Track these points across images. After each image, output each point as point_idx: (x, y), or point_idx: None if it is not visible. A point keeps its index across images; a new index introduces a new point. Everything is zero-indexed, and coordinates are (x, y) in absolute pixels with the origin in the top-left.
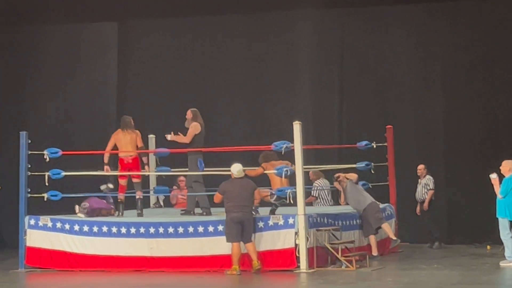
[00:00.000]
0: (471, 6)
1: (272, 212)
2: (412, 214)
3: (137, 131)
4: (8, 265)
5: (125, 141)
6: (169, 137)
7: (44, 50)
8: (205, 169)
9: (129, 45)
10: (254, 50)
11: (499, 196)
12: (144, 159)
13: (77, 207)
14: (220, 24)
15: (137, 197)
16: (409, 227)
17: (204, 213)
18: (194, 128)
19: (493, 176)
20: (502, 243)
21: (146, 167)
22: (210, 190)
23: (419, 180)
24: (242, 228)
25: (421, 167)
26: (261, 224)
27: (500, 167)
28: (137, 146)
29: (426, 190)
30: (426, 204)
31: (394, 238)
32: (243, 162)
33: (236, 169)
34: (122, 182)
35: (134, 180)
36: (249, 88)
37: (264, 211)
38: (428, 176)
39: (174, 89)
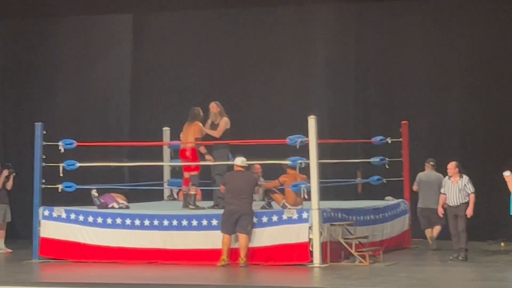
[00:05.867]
0: (492, 2)
1: (264, 207)
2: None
3: (197, 122)
4: (22, 256)
5: (185, 133)
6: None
7: (60, 42)
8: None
9: (143, 37)
10: (269, 44)
11: None
12: (202, 148)
13: (94, 190)
14: (235, 18)
15: (192, 192)
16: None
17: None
18: (226, 123)
19: (507, 174)
20: None
21: (206, 156)
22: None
23: (449, 180)
24: (237, 220)
25: (451, 165)
26: (275, 218)
27: None
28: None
29: (465, 194)
30: (470, 210)
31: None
32: (258, 156)
33: (239, 160)
34: (186, 174)
35: (192, 172)
36: (265, 82)
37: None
38: (465, 177)
39: (188, 81)
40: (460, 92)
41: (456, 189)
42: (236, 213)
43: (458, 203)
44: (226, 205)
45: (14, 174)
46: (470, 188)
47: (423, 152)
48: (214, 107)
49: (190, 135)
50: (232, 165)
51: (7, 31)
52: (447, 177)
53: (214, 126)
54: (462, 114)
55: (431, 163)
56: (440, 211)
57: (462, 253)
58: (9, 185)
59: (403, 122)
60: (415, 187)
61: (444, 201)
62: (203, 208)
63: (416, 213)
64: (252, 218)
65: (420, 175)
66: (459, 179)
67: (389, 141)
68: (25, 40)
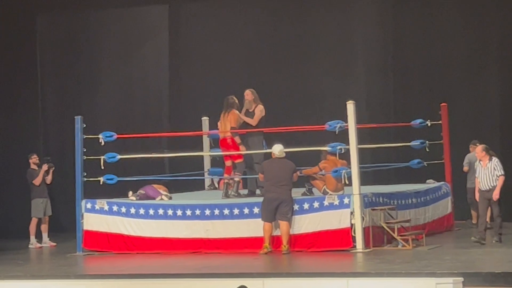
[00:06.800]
0: None
1: (305, 194)
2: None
3: (234, 110)
4: (66, 249)
5: (224, 123)
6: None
7: (98, 35)
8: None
9: (180, 28)
10: (307, 30)
11: None
12: (236, 138)
13: (130, 192)
14: (271, 5)
15: (236, 178)
16: (465, 205)
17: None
18: (262, 111)
19: None
20: None
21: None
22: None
23: (478, 163)
24: (277, 208)
25: (478, 149)
26: (316, 204)
27: None
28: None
29: (496, 177)
30: (497, 192)
31: None
32: (297, 142)
33: (277, 149)
34: (227, 163)
35: (237, 160)
36: (303, 68)
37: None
38: (494, 159)
39: (225, 70)
40: (499, 72)
41: (486, 172)
42: (276, 201)
43: (489, 187)
44: (265, 193)
45: (53, 168)
46: (499, 171)
47: (463, 134)
48: (248, 94)
49: (229, 123)
50: (267, 153)
51: (47, 24)
52: (477, 161)
53: (248, 114)
54: (503, 94)
55: (477, 144)
56: (478, 197)
57: (496, 237)
58: (49, 179)
59: (442, 104)
60: (465, 168)
61: (478, 186)
62: (244, 196)
63: (455, 197)
64: (292, 204)
65: (469, 156)
66: (488, 162)
67: (429, 124)
68: (64, 33)
